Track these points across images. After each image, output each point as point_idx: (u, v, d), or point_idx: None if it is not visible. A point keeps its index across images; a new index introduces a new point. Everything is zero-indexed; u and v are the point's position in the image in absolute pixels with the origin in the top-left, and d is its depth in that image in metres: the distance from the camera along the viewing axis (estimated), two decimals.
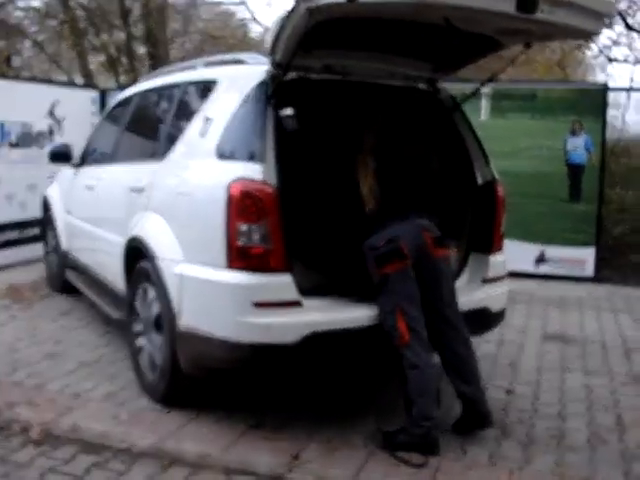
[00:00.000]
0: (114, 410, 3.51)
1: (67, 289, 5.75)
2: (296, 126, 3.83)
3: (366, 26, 3.16)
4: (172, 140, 3.75)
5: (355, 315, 3.20)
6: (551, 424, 3.50)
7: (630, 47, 10.61)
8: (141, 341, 3.79)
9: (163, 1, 11.69)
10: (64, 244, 5.69)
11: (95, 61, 13.39)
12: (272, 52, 3.11)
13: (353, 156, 3.43)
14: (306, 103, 3.43)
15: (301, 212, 3.33)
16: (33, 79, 10.07)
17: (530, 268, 7.20)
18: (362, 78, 3.58)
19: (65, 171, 5.82)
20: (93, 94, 8.41)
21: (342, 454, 3.09)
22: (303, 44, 2.99)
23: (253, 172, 3.04)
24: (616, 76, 11.84)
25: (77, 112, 7.73)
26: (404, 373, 3.15)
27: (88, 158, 5.43)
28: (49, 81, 9.84)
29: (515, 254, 6.70)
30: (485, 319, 3.73)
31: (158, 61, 11.30)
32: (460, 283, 3.63)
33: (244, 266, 3.01)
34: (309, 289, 3.13)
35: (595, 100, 7.09)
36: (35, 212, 6.68)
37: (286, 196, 3.08)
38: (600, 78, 13.45)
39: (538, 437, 3.35)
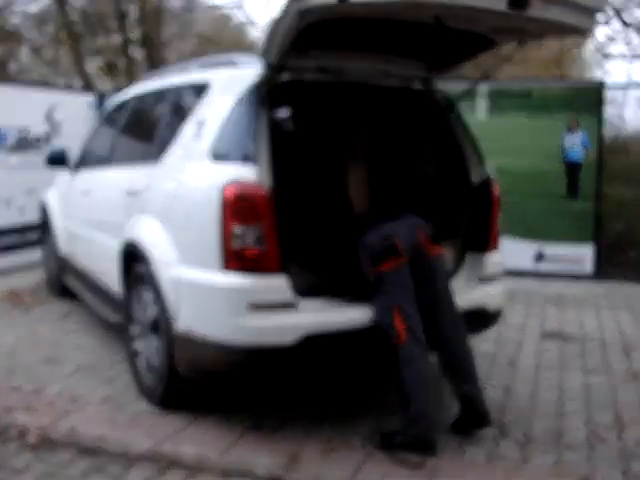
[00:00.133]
0: (112, 413, 3.51)
1: (66, 293, 5.75)
2: (292, 127, 3.83)
3: (359, 26, 3.16)
4: (167, 143, 3.75)
5: (351, 316, 3.19)
6: (549, 423, 3.49)
7: (627, 43, 10.61)
8: (138, 344, 3.78)
9: (159, 5, 11.69)
10: (62, 248, 5.69)
11: (93, 65, 13.40)
12: (265, 54, 3.11)
13: (346, 157, 3.43)
14: (300, 104, 3.43)
15: (296, 213, 3.32)
16: (30, 83, 10.07)
17: (529, 266, 7.21)
18: (356, 78, 3.58)
19: (62, 175, 5.82)
20: (90, 98, 8.42)
21: (340, 455, 3.08)
22: (296, 45, 2.99)
23: (247, 174, 3.04)
24: (613, 73, 11.84)
25: (75, 116, 7.73)
26: (400, 372, 3.15)
27: (85, 162, 5.42)
28: (46, 85, 9.83)
29: (514, 252, 6.75)
30: (482, 318, 3.72)
31: (155, 64, 11.30)
32: (457, 282, 3.62)
33: (239, 268, 3.00)
34: (304, 290, 3.13)
35: (592, 97, 7.10)
36: (34, 217, 6.68)
37: (280, 197, 3.08)
38: (597, 75, 13.44)
39: (536, 436, 3.34)
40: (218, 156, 3.23)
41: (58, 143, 7.27)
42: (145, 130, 4.46)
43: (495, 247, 3.81)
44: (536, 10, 2.80)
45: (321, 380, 3.86)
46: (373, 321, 3.21)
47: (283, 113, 3.67)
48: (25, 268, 7.07)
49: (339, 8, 2.67)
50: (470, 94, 3.95)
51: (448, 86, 4.01)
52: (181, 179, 3.47)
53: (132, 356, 3.87)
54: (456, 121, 3.81)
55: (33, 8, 12.66)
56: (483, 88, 7.27)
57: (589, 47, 12.22)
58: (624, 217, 7.98)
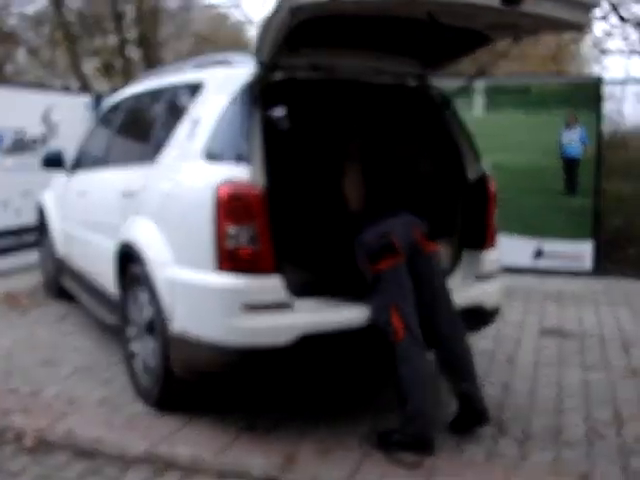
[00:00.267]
0: (108, 415, 3.50)
1: (63, 295, 5.74)
2: (287, 126, 3.82)
3: (352, 24, 3.14)
4: (161, 143, 3.73)
5: (346, 315, 3.17)
6: (548, 420, 3.48)
7: (625, 39, 10.58)
8: (134, 345, 3.77)
9: (156, 4, 11.67)
10: (59, 250, 5.68)
11: (90, 66, 13.38)
12: (257, 52, 3.09)
13: (341, 155, 3.41)
14: (294, 102, 3.41)
15: (290, 213, 3.31)
16: (26, 85, 10.05)
17: (528, 263, 7.19)
18: (350, 76, 3.55)
19: (59, 176, 5.80)
20: (87, 99, 8.40)
21: (337, 455, 3.07)
22: (288, 43, 2.97)
23: (241, 173, 3.02)
24: (611, 69, 11.83)
25: (71, 117, 7.72)
26: (397, 370, 3.13)
27: (80, 163, 5.41)
28: (43, 86, 9.81)
29: (512, 249, 6.74)
30: (480, 315, 3.71)
31: (152, 64, 11.29)
32: (454, 280, 3.61)
33: (233, 268, 2.98)
34: (299, 290, 3.11)
35: (590, 93, 7.08)
36: (31, 218, 6.66)
37: (275, 197, 3.06)
38: (595, 71, 13.42)
39: (535, 433, 3.32)
40: (212, 156, 3.22)
41: (55, 144, 7.25)
42: (140, 131, 4.45)
43: (492, 244, 3.79)
44: (529, 6, 2.78)
45: (317, 380, 3.85)
46: (370, 319, 3.19)
47: (278, 112, 3.66)
48: (22, 270, 7.06)
49: (331, 5, 2.66)
50: (467, 91, 3.91)
51: (445, 83, 3.99)
52: (175, 179, 3.45)
53: (128, 357, 3.85)
54: (451, 118, 3.79)
55: (30, 9, 12.66)
56: (480, 84, 7.26)
57: (587, 43, 12.19)
58: (623, 213, 7.95)
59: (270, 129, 3.21)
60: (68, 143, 6.53)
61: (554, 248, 7.16)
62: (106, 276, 4.24)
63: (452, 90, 3.92)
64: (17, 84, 10.19)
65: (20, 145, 7.18)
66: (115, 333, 4.31)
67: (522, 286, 6.51)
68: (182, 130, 3.52)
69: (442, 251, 3.60)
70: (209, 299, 3.08)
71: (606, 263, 7.24)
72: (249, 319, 3.00)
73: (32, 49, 12.89)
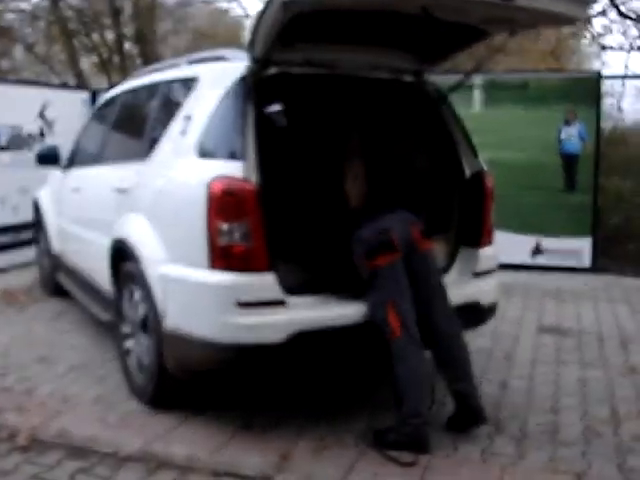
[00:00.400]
0: (103, 413, 3.47)
1: (60, 292, 5.71)
2: (284, 121, 3.78)
3: (347, 18, 3.12)
4: (155, 140, 3.71)
5: (342, 312, 3.15)
6: (545, 418, 3.45)
7: (624, 33, 10.54)
8: (129, 343, 3.75)
9: (153, 0, 11.63)
10: (55, 247, 5.66)
11: (88, 62, 13.35)
12: (250, 47, 3.06)
13: (338, 151, 3.38)
14: (289, 98, 3.38)
15: (285, 209, 3.28)
16: (23, 81, 10.02)
17: (526, 260, 7.16)
18: (345, 71, 3.53)
19: (55, 173, 5.77)
20: (84, 95, 8.37)
21: (332, 453, 3.05)
22: (282, 38, 2.94)
23: (233, 170, 2.99)
24: (611, 64, 11.79)
25: (68, 113, 7.67)
26: (394, 369, 3.11)
27: (76, 160, 5.38)
28: (39, 83, 9.78)
29: (511, 246, 6.71)
30: (477, 313, 3.68)
31: (150, 60, 11.25)
32: (450, 277, 3.58)
33: (226, 265, 2.96)
34: (294, 287, 3.09)
35: (589, 88, 7.04)
36: (28, 215, 6.63)
37: (268, 193, 3.04)
38: (595, 67, 13.37)
39: (531, 432, 3.30)
40: (205, 152, 3.19)
41: (52, 141, 7.21)
42: (134, 127, 4.42)
43: (489, 241, 3.76)
44: (524, 0, 2.75)
45: (314, 378, 3.82)
46: (367, 316, 3.17)
47: (274, 107, 3.63)
48: (19, 267, 7.04)
49: (322, 0, 2.62)
50: (463, 86, 3.87)
51: (442, 79, 3.96)
52: (168, 176, 3.43)
53: (123, 355, 3.83)
54: (448, 113, 3.76)
55: (26, 5, 12.62)
56: (479, 80, 7.22)
57: (586, 38, 12.14)
58: (622, 210, 7.93)
59: (264, 125, 3.18)
60: (65, 139, 6.49)
61: (553, 245, 7.13)
62: (101, 273, 4.22)
63: (449, 86, 3.89)
64: (13, 80, 10.16)
65: (17, 141, 7.15)
66: (110, 330, 4.29)
67: (520, 283, 6.48)
68: (175, 126, 3.49)
69: (438, 248, 3.58)
70: (202, 296, 3.06)
71: (605, 260, 7.21)
72: (243, 316, 2.98)
73: (29, 45, 12.84)
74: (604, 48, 11.04)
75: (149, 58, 11.47)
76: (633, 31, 10.47)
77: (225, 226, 2.95)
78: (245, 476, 2.87)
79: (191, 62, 3.90)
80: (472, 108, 7.30)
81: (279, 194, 3.25)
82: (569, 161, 7.08)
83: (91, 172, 4.84)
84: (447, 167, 3.73)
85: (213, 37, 13.12)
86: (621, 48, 10.77)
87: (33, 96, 7.43)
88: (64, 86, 10.43)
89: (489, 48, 4.28)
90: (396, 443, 3.03)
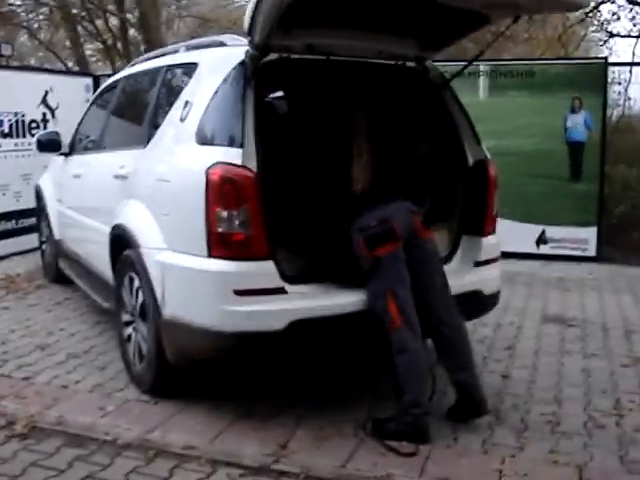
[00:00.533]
0: (101, 401, 3.46)
1: (62, 279, 5.70)
2: (286, 109, 3.73)
3: (349, 3, 3.06)
4: (154, 126, 3.68)
5: (341, 301, 3.12)
6: (547, 409, 3.42)
7: (632, 19, 10.42)
8: (129, 331, 3.73)
9: None
10: (57, 233, 5.64)
11: (92, 48, 13.30)
12: (249, 33, 3.00)
13: (339, 137, 3.33)
14: (289, 84, 3.34)
15: (285, 196, 3.24)
16: (25, 67, 9.98)
17: (531, 249, 7.10)
18: (346, 57, 3.47)
19: (56, 159, 5.74)
20: (87, 81, 8.32)
21: (331, 443, 3.03)
22: (281, 24, 2.89)
23: (232, 157, 2.96)
24: (619, 51, 11.67)
25: (71, 99, 7.63)
26: (394, 359, 3.08)
27: (77, 146, 5.35)
28: (41, 69, 9.73)
29: (516, 235, 6.66)
30: (479, 302, 3.65)
31: (153, 47, 11.18)
32: (452, 266, 3.55)
33: (225, 253, 2.93)
34: (293, 275, 3.06)
35: (595, 75, 6.95)
36: (30, 202, 6.61)
37: (268, 180, 3.00)
38: (602, 54, 13.24)
39: (533, 423, 3.26)
40: (204, 138, 3.15)
41: (54, 127, 7.18)
42: (134, 113, 4.40)
43: (492, 230, 3.72)
44: None
45: (314, 367, 3.80)
46: (367, 306, 3.13)
47: (273, 93, 3.58)
48: (22, 254, 7.04)
49: None
50: (467, 73, 3.82)
51: (449, 66, 3.91)
52: (166, 163, 3.40)
53: (123, 343, 3.81)
54: (451, 100, 3.71)
55: None
56: (484, 67, 7.15)
57: (593, 25, 12.02)
58: (629, 198, 7.86)
59: (264, 111, 3.14)
60: (68, 125, 6.46)
61: (558, 234, 7.06)
62: (101, 260, 4.20)
63: (453, 72, 3.84)
64: (16, 67, 10.12)
65: (19, 128, 7.11)
66: (111, 318, 4.28)
67: (525, 272, 6.44)
68: (175, 112, 3.45)
69: (440, 236, 3.54)
70: (201, 284, 3.04)
71: (610, 249, 7.15)
72: (242, 304, 2.95)
73: (32, 31, 12.78)
74: (612, 35, 10.92)
75: (153, 44, 11.40)
76: None
77: (224, 213, 2.92)
78: (243, 465, 2.85)
79: (190, 48, 3.86)
80: (477, 96, 7.23)
81: (279, 181, 3.21)
82: (575, 149, 7.00)
83: (92, 158, 4.82)
84: (450, 154, 3.68)
85: (218, 23, 13.03)
86: (629, 35, 10.65)
87: (36, 82, 7.39)
88: (67, 72, 10.39)
89: (495, 35, 4.20)
90: (396, 433, 3.01)
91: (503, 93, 7.22)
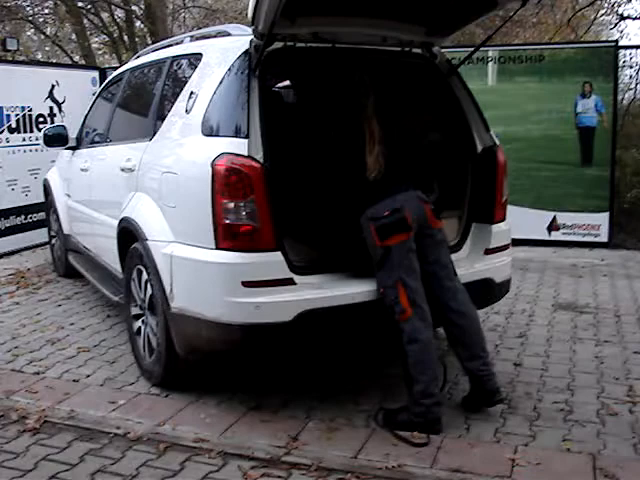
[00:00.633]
0: (112, 395, 3.47)
1: (72, 273, 5.71)
2: (295, 98, 3.68)
3: None
4: (160, 118, 3.66)
5: (350, 291, 3.09)
6: (560, 397, 3.39)
7: None
8: (138, 324, 3.73)
9: None
10: (65, 228, 5.65)
11: (98, 41, 13.28)
12: (253, 22, 2.97)
13: (346, 125, 3.28)
14: (295, 72, 3.30)
15: (292, 186, 3.21)
16: (31, 62, 9.97)
17: (543, 235, 7.05)
18: (352, 45, 3.43)
19: (64, 153, 5.74)
20: (93, 74, 8.31)
21: (342, 434, 3.01)
22: (285, 12, 2.85)
23: (238, 147, 2.93)
24: (631, 34, 11.51)
25: (77, 93, 7.64)
26: (404, 349, 3.05)
27: (83, 139, 5.34)
28: (47, 63, 9.73)
29: (526, 221, 6.62)
30: (490, 290, 3.61)
31: (158, 38, 11.15)
32: (462, 254, 3.52)
33: (232, 245, 2.91)
34: (302, 266, 3.03)
35: (605, 59, 6.87)
36: (39, 197, 6.62)
37: (275, 170, 2.97)
38: (613, 38, 13.07)
39: (546, 411, 3.24)
40: (209, 129, 3.12)
41: (61, 121, 7.18)
42: (139, 105, 4.37)
43: (502, 217, 3.67)
44: None
45: (323, 358, 3.78)
46: (376, 296, 3.10)
47: (283, 83, 3.54)
48: (32, 248, 7.06)
49: None
50: (475, 59, 3.77)
51: (458, 53, 3.85)
52: (173, 155, 3.38)
53: (133, 336, 3.81)
54: (459, 86, 3.66)
55: None
56: (494, 53, 7.08)
57: (603, 8, 11.85)
58: None
59: (270, 100, 3.10)
60: (75, 119, 6.46)
61: (569, 220, 7.00)
62: (110, 253, 4.20)
63: (461, 59, 3.79)
64: (22, 61, 10.12)
65: (27, 123, 7.11)
66: (121, 311, 4.27)
67: (537, 259, 6.40)
68: (180, 104, 3.43)
69: (450, 224, 3.50)
70: (209, 276, 3.02)
71: (622, 235, 7.08)
72: (250, 296, 2.93)
73: (38, 25, 12.76)
74: (622, 17, 10.77)
75: (159, 36, 11.36)
76: None
77: (231, 204, 2.89)
78: (254, 457, 2.84)
79: (195, 38, 3.83)
80: (487, 81, 7.17)
81: (287, 171, 3.18)
82: (585, 134, 6.92)
83: (98, 152, 4.80)
84: (458, 141, 3.64)
85: (222, 13, 12.98)
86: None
87: (42, 77, 7.39)
88: (73, 66, 10.38)
89: (503, 19, 4.14)
90: (408, 423, 2.99)
91: (512, 79, 7.15)
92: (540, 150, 6.99)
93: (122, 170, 3.93)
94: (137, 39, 12.40)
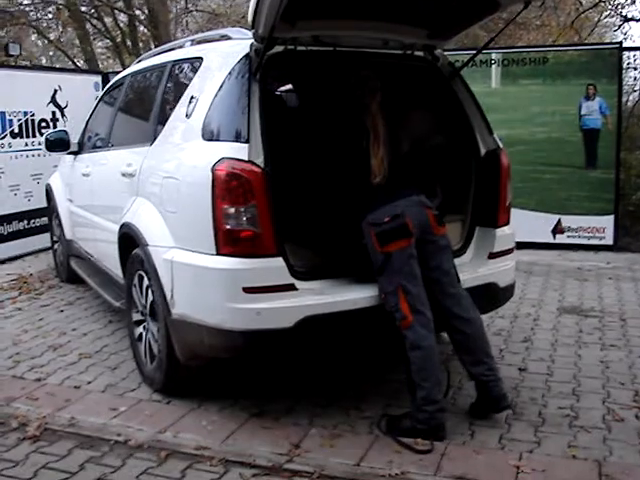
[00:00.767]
0: (113, 402, 3.44)
1: (75, 278, 5.69)
2: (296, 102, 3.66)
3: None
4: (161, 122, 3.64)
5: (352, 296, 3.06)
6: (565, 403, 3.35)
7: None
8: (140, 330, 3.70)
9: None
10: (68, 233, 5.64)
11: (101, 45, 13.29)
12: (253, 26, 2.94)
13: (348, 130, 3.25)
14: (296, 76, 3.28)
15: (294, 191, 3.19)
16: (34, 67, 9.98)
17: (547, 238, 7.01)
18: (354, 48, 3.40)
19: (66, 158, 5.73)
20: (96, 78, 8.31)
21: (345, 441, 2.98)
22: (285, 16, 2.83)
23: (239, 152, 2.90)
24: (635, 36, 11.47)
25: (80, 98, 7.62)
26: (407, 355, 3.02)
27: (85, 144, 5.33)
28: (50, 68, 9.74)
29: (531, 225, 6.59)
30: (494, 295, 3.57)
31: (163, 43, 11.15)
32: (465, 259, 3.48)
33: (233, 250, 2.89)
34: (303, 271, 3.01)
35: (609, 61, 6.83)
36: (41, 202, 6.61)
37: (276, 175, 2.94)
38: (617, 40, 13.03)
39: (551, 417, 3.20)
40: (210, 134, 3.10)
41: (64, 126, 7.17)
42: (140, 110, 4.36)
43: (506, 220, 3.64)
44: None
45: (326, 364, 3.75)
46: (378, 302, 3.07)
47: (280, 87, 3.52)
48: (35, 254, 7.05)
49: None
50: (478, 62, 3.74)
51: (460, 56, 3.82)
52: (173, 160, 3.36)
53: (134, 342, 3.79)
54: (461, 89, 3.63)
55: None
56: (497, 55, 7.05)
57: (607, 10, 11.81)
58: None
59: (271, 104, 3.08)
60: (77, 124, 6.45)
61: (574, 223, 6.96)
62: (111, 258, 4.18)
63: (464, 61, 3.76)
64: (25, 66, 10.13)
65: (29, 128, 7.11)
66: (122, 317, 4.25)
67: (541, 262, 6.36)
68: (181, 108, 3.41)
69: (453, 229, 3.47)
70: (210, 282, 2.99)
71: (628, 237, 7.04)
72: (252, 302, 2.90)
73: (41, 30, 12.78)
74: (626, 19, 10.72)
75: (162, 40, 11.37)
76: None
77: (231, 210, 2.87)
78: (256, 465, 2.81)
79: (196, 42, 3.81)
80: (490, 84, 7.14)
81: (288, 175, 3.15)
82: (590, 137, 6.88)
83: (100, 156, 4.79)
84: (461, 145, 3.61)
85: (224, 17, 12.98)
86: None
87: (44, 81, 7.38)
88: (76, 70, 10.38)
89: (506, 22, 4.11)
90: (411, 430, 2.96)
91: (516, 81, 7.12)
92: (544, 153, 6.96)
93: (123, 175, 3.92)
94: (140, 44, 12.41)
